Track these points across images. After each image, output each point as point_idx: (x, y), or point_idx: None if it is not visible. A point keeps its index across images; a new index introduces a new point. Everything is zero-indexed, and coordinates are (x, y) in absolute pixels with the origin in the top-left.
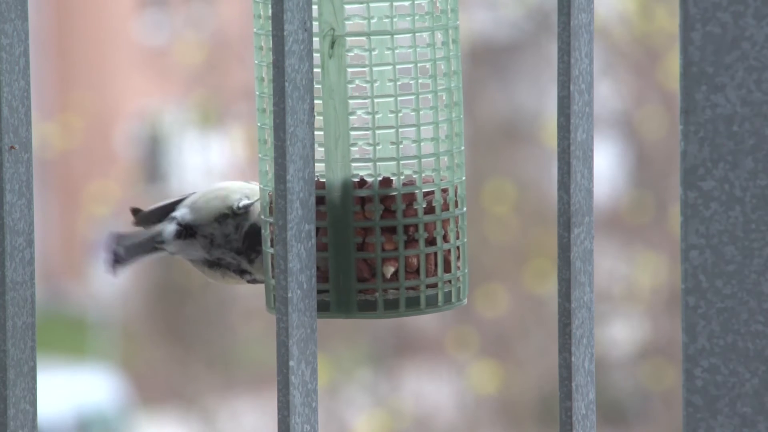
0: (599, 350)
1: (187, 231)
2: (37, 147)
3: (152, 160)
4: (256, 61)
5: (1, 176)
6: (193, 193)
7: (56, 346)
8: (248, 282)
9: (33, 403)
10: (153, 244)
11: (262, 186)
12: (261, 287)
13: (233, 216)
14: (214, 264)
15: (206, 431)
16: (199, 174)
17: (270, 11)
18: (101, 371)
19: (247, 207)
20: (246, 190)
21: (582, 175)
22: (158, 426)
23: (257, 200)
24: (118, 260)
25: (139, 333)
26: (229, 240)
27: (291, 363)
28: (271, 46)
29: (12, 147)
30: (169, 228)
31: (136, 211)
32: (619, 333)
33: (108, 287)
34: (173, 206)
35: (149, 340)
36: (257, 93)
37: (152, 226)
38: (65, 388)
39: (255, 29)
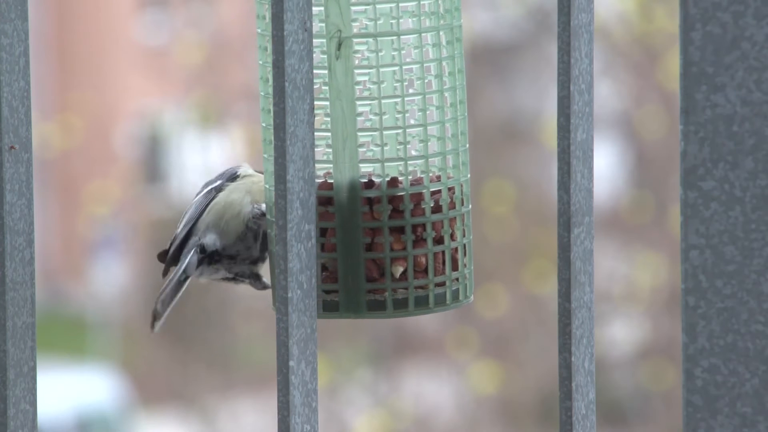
0: (599, 350)
1: (211, 257)
2: (37, 147)
3: (152, 160)
4: (260, 62)
5: (1, 176)
6: (195, 209)
7: (56, 346)
8: (259, 289)
9: (33, 403)
10: (180, 283)
11: (267, 186)
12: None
13: (253, 228)
14: (230, 279)
15: (206, 431)
16: (199, 174)
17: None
18: (101, 371)
19: (263, 213)
20: (242, 188)
21: (582, 175)
22: (158, 426)
23: (248, 178)
24: (156, 318)
25: (139, 333)
26: (250, 252)
27: (291, 363)
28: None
29: (12, 147)
30: (191, 261)
31: (162, 256)
32: (619, 333)
33: (108, 287)
34: (188, 233)
35: (149, 340)
36: (261, 93)
37: (178, 260)
38: (65, 388)
39: (259, 30)
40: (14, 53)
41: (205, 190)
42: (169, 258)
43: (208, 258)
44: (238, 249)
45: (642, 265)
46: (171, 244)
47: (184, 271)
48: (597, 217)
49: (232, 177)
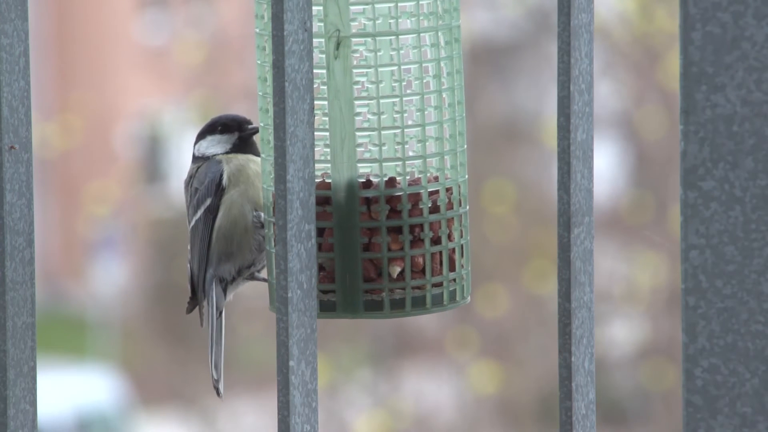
0: (599, 350)
1: (233, 279)
2: (37, 147)
3: (152, 160)
4: (258, 62)
5: (1, 176)
6: (200, 242)
7: (56, 346)
8: (247, 278)
9: (33, 403)
10: (218, 320)
11: (265, 186)
12: (261, 286)
13: (259, 232)
14: (250, 279)
15: (206, 431)
16: None
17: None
18: (101, 371)
19: (263, 225)
20: (238, 199)
21: (582, 175)
22: (158, 426)
23: (232, 168)
24: (218, 386)
25: (139, 333)
26: (262, 251)
27: (291, 363)
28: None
29: (12, 147)
30: (218, 296)
31: (191, 306)
32: (619, 333)
33: (108, 287)
34: (204, 268)
35: (149, 340)
36: (260, 93)
37: (203, 298)
38: (65, 388)
39: (257, 29)
40: (14, 53)
41: (201, 211)
42: (199, 298)
43: (231, 280)
44: (254, 257)
45: (642, 265)
46: (191, 284)
47: (217, 308)
48: (597, 217)
49: (219, 189)
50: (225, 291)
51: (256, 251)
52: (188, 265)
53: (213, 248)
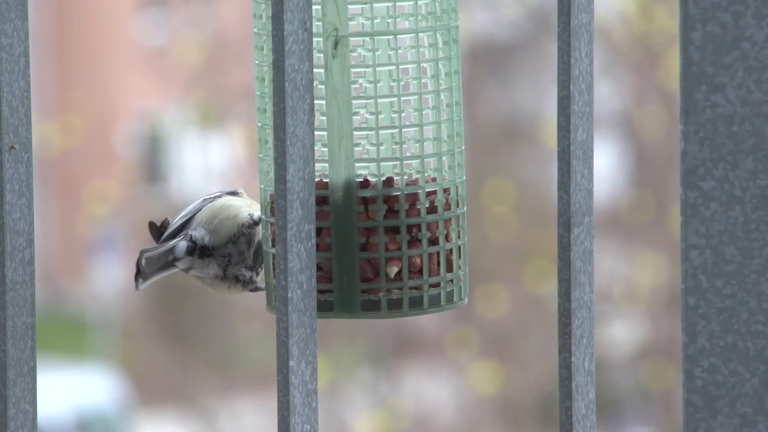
0: (599, 350)
1: (202, 251)
2: (37, 147)
3: (152, 160)
4: (256, 61)
5: (1, 176)
6: (193, 207)
7: (56, 346)
8: (251, 290)
9: (33, 403)
10: (167, 259)
11: (262, 186)
12: None
13: (246, 233)
14: (225, 279)
15: (206, 431)
16: (199, 174)
17: (270, 11)
18: (101, 371)
19: (258, 219)
20: (245, 207)
21: (582, 175)
22: (158, 426)
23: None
24: (140, 272)
25: (139, 333)
26: (244, 258)
27: (291, 363)
28: (271, 46)
29: (12, 147)
30: (180, 244)
31: (152, 226)
32: (619, 333)
33: (108, 287)
34: (183, 225)
35: (149, 340)
36: (257, 93)
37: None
38: (65, 388)
39: (255, 29)
40: (14, 53)
41: (203, 197)
42: (162, 240)
43: (200, 251)
44: (229, 251)
45: (642, 265)
46: (163, 226)
47: (172, 250)
48: (597, 217)
49: (233, 192)
50: (189, 251)
51: (232, 244)
52: (167, 218)
53: (199, 214)
